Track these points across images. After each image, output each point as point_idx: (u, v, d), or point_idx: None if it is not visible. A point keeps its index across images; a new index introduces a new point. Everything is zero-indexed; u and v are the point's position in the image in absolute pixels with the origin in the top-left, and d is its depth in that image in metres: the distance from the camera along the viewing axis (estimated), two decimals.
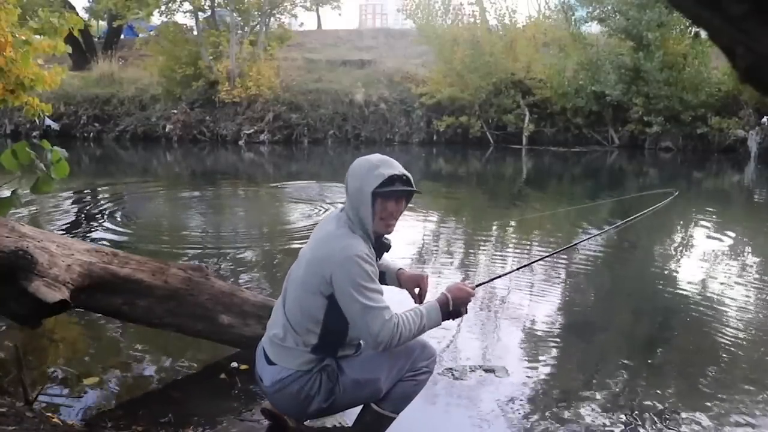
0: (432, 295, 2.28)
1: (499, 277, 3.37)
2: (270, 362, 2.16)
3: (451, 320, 2.22)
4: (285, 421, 2.28)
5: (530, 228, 7.02)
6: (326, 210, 7.22)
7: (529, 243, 6.18)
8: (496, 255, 5.69)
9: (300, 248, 2.31)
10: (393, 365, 2.16)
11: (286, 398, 2.15)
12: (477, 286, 2.35)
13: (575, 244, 5.23)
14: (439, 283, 4.68)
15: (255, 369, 2.27)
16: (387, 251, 2.28)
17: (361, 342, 2.23)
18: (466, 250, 5.95)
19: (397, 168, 2.10)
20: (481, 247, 6.03)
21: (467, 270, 5.17)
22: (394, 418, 2.25)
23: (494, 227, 7.06)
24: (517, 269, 3.57)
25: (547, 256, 4.71)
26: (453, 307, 2.15)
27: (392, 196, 2.09)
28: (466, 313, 2.23)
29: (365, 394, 2.18)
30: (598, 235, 4.88)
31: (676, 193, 4.03)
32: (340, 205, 2.26)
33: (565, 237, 6.23)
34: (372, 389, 2.16)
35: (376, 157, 2.15)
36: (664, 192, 3.63)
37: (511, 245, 6.17)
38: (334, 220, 2.17)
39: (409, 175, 2.13)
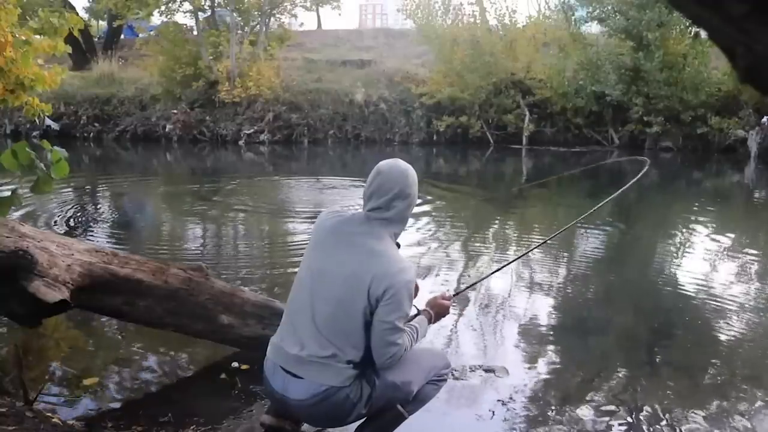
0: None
1: (473, 285, 3.37)
2: (299, 377, 2.07)
3: None
4: (285, 429, 2.26)
5: (526, 227, 7.02)
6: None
7: (521, 242, 6.18)
8: (494, 255, 5.69)
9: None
10: (423, 369, 2.22)
11: (327, 409, 2.06)
12: (455, 294, 2.60)
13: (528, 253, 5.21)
14: (445, 282, 4.69)
15: (270, 386, 2.14)
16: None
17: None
18: (463, 249, 5.95)
19: None
20: (478, 247, 6.03)
21: (461, 270, 5.17)
22: (406, 419, 2.26)
23: (492, 225, 7.06)
24: (490, 275, 3.68)
25: (513, 261, 4.65)
26: (435, 320, 2.37)
27: None
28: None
29: (399, 397, 2.17)
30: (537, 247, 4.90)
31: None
32: (356, 209, 2.28)
33: (564, 239, 6.23)
34: (406, 391, 2.17)
35: None
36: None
37: (509, 246, 6.17)
38: (374, 233, 2.10)
39: None
